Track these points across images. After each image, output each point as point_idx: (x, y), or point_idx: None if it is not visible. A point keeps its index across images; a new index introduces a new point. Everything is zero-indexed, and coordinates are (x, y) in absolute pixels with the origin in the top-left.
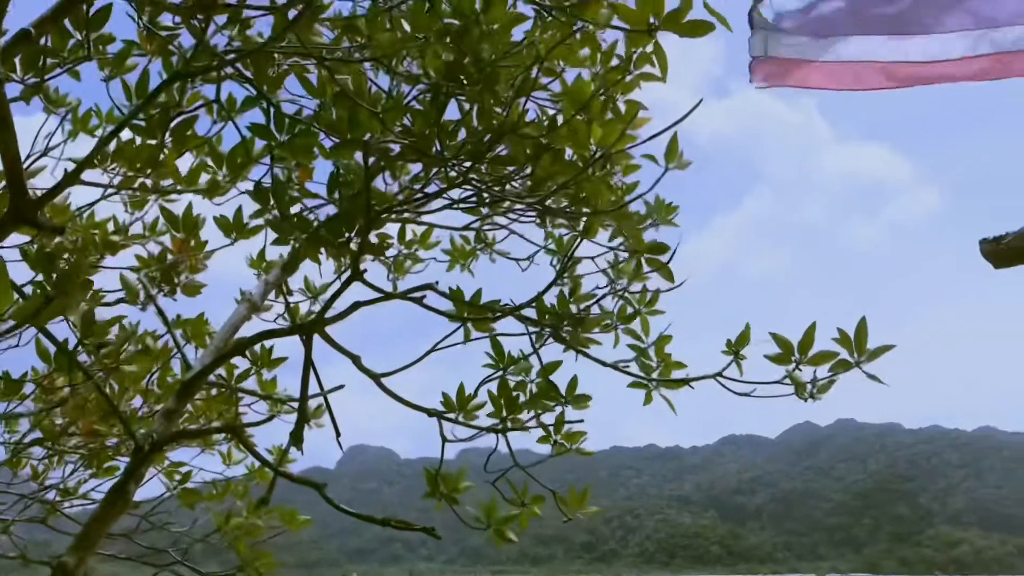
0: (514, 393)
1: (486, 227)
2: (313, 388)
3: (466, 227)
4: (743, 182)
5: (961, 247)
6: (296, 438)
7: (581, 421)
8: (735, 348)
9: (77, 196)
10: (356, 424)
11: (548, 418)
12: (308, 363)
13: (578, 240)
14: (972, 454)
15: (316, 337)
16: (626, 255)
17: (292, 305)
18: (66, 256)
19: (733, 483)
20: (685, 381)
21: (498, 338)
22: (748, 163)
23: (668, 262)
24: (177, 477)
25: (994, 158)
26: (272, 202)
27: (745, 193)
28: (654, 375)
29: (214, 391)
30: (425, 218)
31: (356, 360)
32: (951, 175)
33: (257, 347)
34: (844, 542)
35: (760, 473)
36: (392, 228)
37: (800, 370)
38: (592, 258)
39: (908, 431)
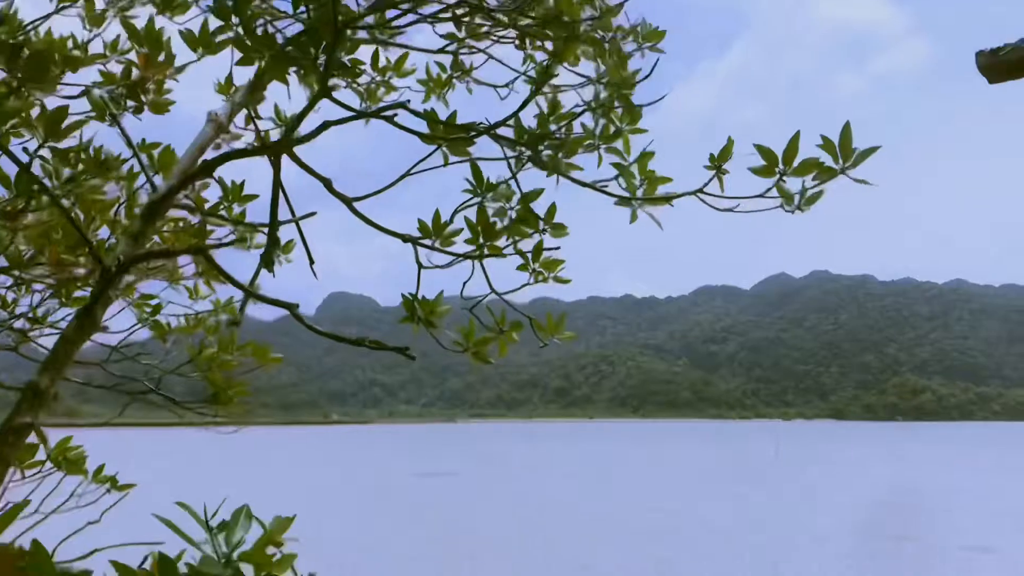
0: (492, 219)
1: (462, 52)
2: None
3: (441, 50)
4: (731, 29)
5: (945, 100)
6: (267, 261)
7: (558, 248)
8: (717, 163)
9: (26, 9)
10: (337, 271)
11: (526, 246)
12: (277, 185)
13: (553, 64)
14: (942, 306)
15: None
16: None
17: (263, 132)
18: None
19: (706, 332)
20: (667, 199)
21: (477, 163)
22: (737, 10)
23: (655, 102)
24: (147, 310)
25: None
26: (236, 19)
27: (732, 41)
28: (638, 193)
29: (182, 224)
30: (399, 40)
31: (327, 183)
32: (943, 24)
33: (228, 181)
34: (811, 389)
35: (733, 323)
36: (365, 54)
37: (785, 181)
38: (574, 87)
39: (881, 283)
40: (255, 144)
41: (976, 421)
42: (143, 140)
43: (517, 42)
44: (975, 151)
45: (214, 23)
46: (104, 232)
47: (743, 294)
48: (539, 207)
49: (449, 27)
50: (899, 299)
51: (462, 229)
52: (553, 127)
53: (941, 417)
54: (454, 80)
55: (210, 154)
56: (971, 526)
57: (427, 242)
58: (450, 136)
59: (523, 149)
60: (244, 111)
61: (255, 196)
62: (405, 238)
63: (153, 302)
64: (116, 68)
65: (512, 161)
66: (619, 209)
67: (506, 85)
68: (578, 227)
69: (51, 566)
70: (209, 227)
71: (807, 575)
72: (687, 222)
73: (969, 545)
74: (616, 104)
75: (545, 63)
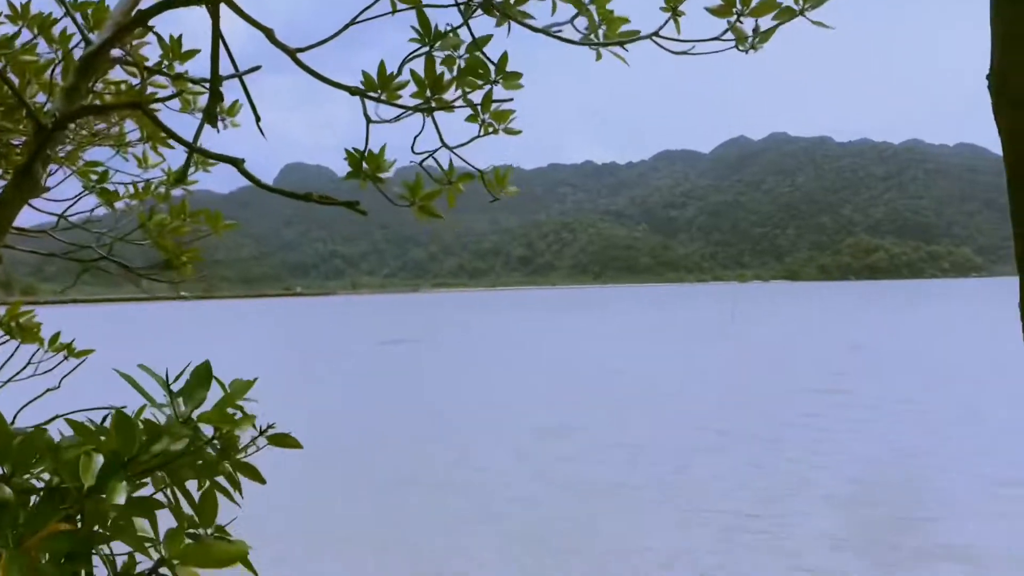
0: (440, 70)
1: None
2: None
3: None
4: None
5: None
6: (209, 116)
7: (511, 100)
8: (672, 4)
9: None
10: (292, 142)
11: (477, 97)
12: (216, 36)
13: None
14: (897, 166)
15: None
16: None
17: None
18: None
19: (666, 197)
20: (620, 43)
21: (425, 10)
22: None
23: None
24: (93, 177)
25: None
26: None
27: None
28: (598, 34)
29: (124, 87)
30: None
31: (269, 33)
32: None
33: (166, 36)
34: (767, 251)
35: (692, 187)
36: None
37: (742, 22)
38: None
39: (838, 144)
40: None
41: (926, 279)
42: None
43: None
44: (935, 13)
45: None
46: (41, 97)
47: (702, 158)
48: (492, 58)
49: None
50: (856, 160)
51: (409, 82)
52: None
53: (892, 275)
54: None
55: (145, 4)
56: (906, 381)
57: (373, 94)
58: None
59: None
60: None
61: (196, 51)
62: (352, 90)
63: (99, 169)
64: None
65: (462, 7)
66: (579, 73)
67: None
68: (537, 94)
69: (6, 428)
70: (152, 90)
71: (749, 427)
72: (647, 85)
73: (902, 398)
74: None
75: None
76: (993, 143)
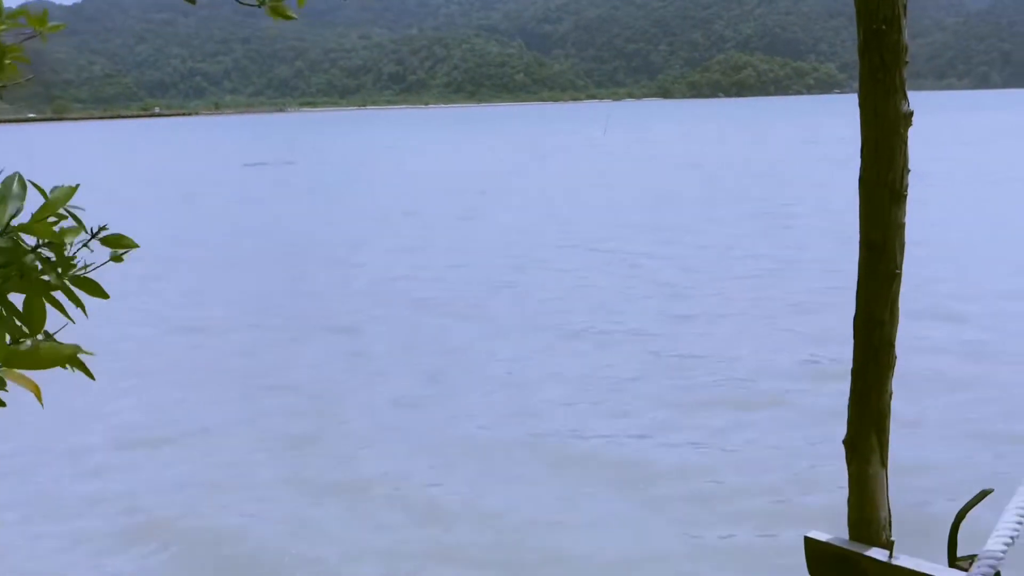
0: None
1: None
2: None
3: None
4: None
5: None
6: None
7: None
8: None
9: None
10: None
11: None
12: None
13: None
14: None
15: None
16: None
17: None
18: None
19: (540, 11)
20: None
21: None
22: None
23: None
24: None
25: None
26: None
27: None
28: None
29: None
30: None
31: None
32: None
33: None
34: (641, 69)
35: (567, 2)
36: None
37: None
38: None
39: None
40: None
41: (791, 95)
42: None
43: None
44: None
45: None
46: None
47: None
48: None
49: None
50: None
51: None
52: None
53: (760, 92)
54: None
55: None
56: (766, 193)
57: None
58: None
59: None
60: None
61: None
62: None
63: None
64: None
65: None
66: None
67: None
68: None
69: None
70: None
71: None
72: None
73: (773, 211)
74: None
75: None
76: None
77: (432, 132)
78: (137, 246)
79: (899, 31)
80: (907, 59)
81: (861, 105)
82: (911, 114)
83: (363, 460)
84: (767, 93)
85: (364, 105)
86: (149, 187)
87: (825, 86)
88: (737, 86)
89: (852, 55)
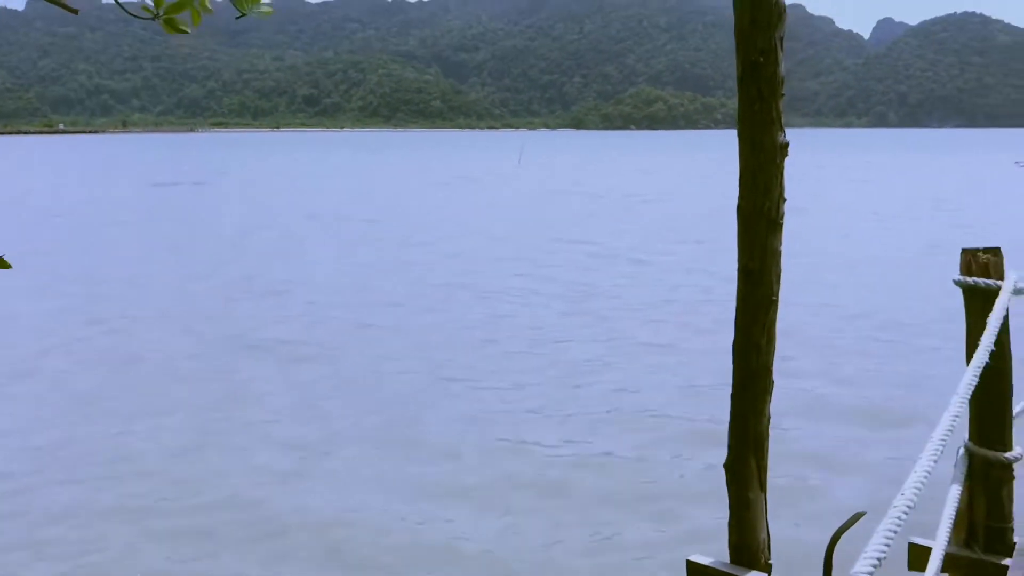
0: None
1: None
2: None
3: None
4: None
5: None
6: None
7: None
8: None
9: None
10: None
11: None
12: None
13: None
14: (679, 17)
15: None
16: None
17: None
18: None
19: (457, 39)
20: None
21: None
22: None
23: None
24: None
25: None
26: None
27: None
28: None
29: None
30: None
31: None
32: None
33: None
34: (555, 99)
35: (484, 31)
36: None
37: None
38: None
39: None
40: None
41: (699, 129)
42: None
43: None
44: None
45: None
46: None
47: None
48: None
49: None
50: (640, 10)
51: None
52: None
53: (670, 125)
54: None
55: None
56: (644, 229)
57: None
58: None
59: None
60: None
61: None
62: None
63: None
64: None
65: None
66: None
67: None
68: None
69: None
70: None
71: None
72: None
73: (630, 247)
74: None
75: None
76: None
77: (345, 155)
78: (8, 266)
79: (775, 64)
80: (783, 92)
81: (739, 136)
82: (787, 145)
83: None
84: (677, 126)
85: (277, 127)
86: (50, 208)
87: (731, 121)
88: (648, 119)
89: None
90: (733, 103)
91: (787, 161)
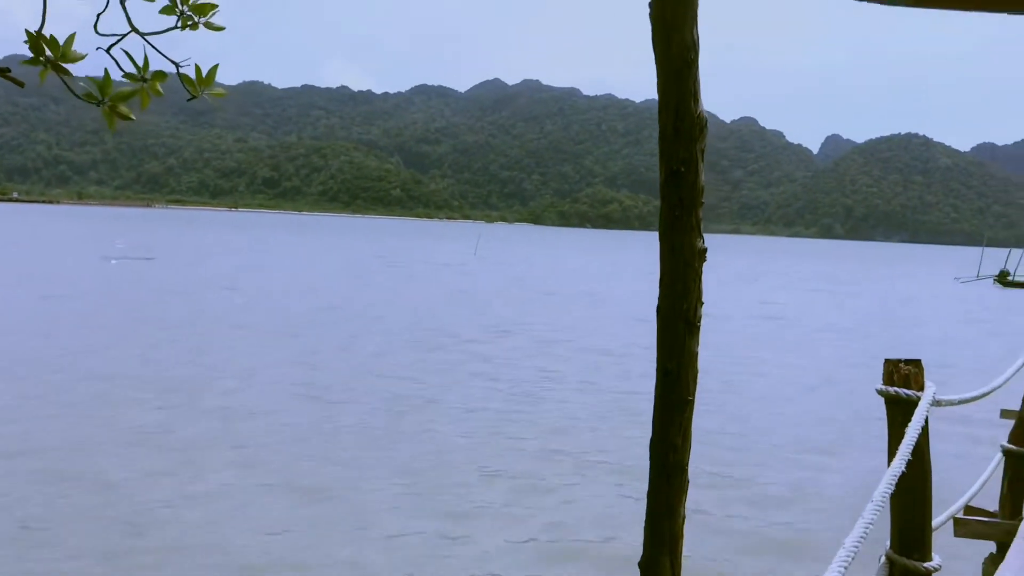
0: None
1: None
2: None
3: None
4: None
5: None
6: None
7: None
8: None
9: None
10: (14, 33)
11: None
12: None
13: None
14: (636, 123)
15: None
16: None
17: None
18: None
19: (420, 132)
20: None
21: None
22: None
23: None
24: None
25: None
26: None
27: None
28: None
29: None
30: None
31: None
32: None
33: None
34: (514, 194)
35: (447, 124)
36: None
37: None
38: None
39: (585, 97)
40: None
41: (651, 231)
42: None
43: None
44: None
45: None
46: None
47: (458, 96)
48: None
49: None
50: (600, 114)
51: None
52: None
53: (624, 226)
54: None
55: None
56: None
57: None
58: None
59: None
60: None
61: None
62: None
63: None
64: None
65: None
66: None
67: None
68: (294, 11)
69: None
70: None
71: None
72: (408, 16)
73: (556, 338)
74: None
75: None
76: (723, 110)
77: (298, 238)
78: None
79: (696, 173)
80: (702, 200)
81: (661, 240)
82: (705, 251)
83: None
84: (631, 227)
85: (235, 207)
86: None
87: None
88: (603, 218)
89: (709, 198)
90: None
91: (724, 266)
